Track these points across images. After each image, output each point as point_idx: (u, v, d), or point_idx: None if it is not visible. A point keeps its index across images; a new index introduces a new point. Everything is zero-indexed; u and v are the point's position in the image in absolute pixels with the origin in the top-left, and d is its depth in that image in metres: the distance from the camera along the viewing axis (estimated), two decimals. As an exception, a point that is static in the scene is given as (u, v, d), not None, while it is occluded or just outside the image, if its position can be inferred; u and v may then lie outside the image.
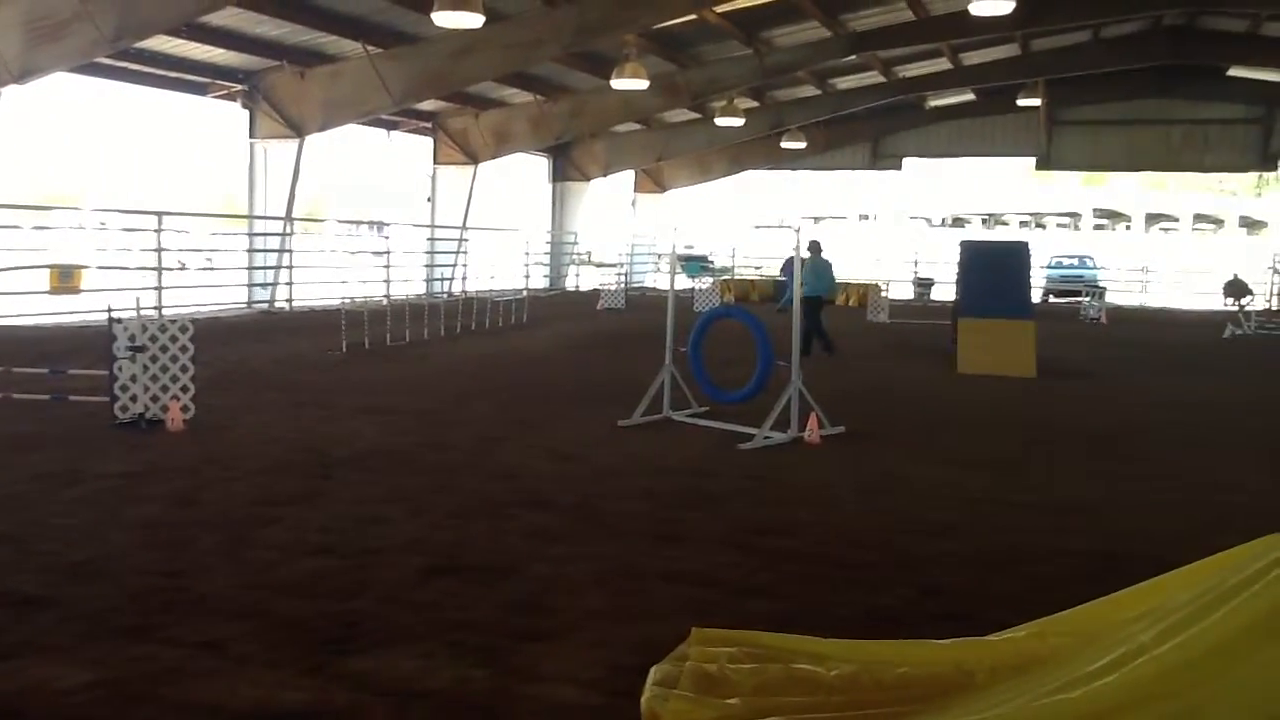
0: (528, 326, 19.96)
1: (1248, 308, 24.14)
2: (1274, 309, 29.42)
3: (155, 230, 18.20)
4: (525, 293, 23.48)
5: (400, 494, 6.81)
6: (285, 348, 15.12)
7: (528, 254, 29.48)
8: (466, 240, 27.81)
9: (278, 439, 8.52)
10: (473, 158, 28.28)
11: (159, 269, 18.15)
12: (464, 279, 27.08)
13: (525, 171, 34.20)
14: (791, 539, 6.02)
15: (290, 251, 22.42)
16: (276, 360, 13.69)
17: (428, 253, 27.61)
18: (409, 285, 25.27)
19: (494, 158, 28.67)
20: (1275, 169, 36.64)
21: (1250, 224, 67.90)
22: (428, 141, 28.54)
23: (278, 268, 22.06)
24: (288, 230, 22.22)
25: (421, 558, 5.45)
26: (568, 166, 33.53)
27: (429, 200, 28.98)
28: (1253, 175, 49.00)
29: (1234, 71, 30.23)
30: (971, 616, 4.60)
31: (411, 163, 30.47)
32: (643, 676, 3.67)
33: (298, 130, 21.52)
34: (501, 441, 8.76)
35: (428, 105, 26.07)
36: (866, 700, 3.49)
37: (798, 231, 9.73)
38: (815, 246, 16.15)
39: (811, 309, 15.22)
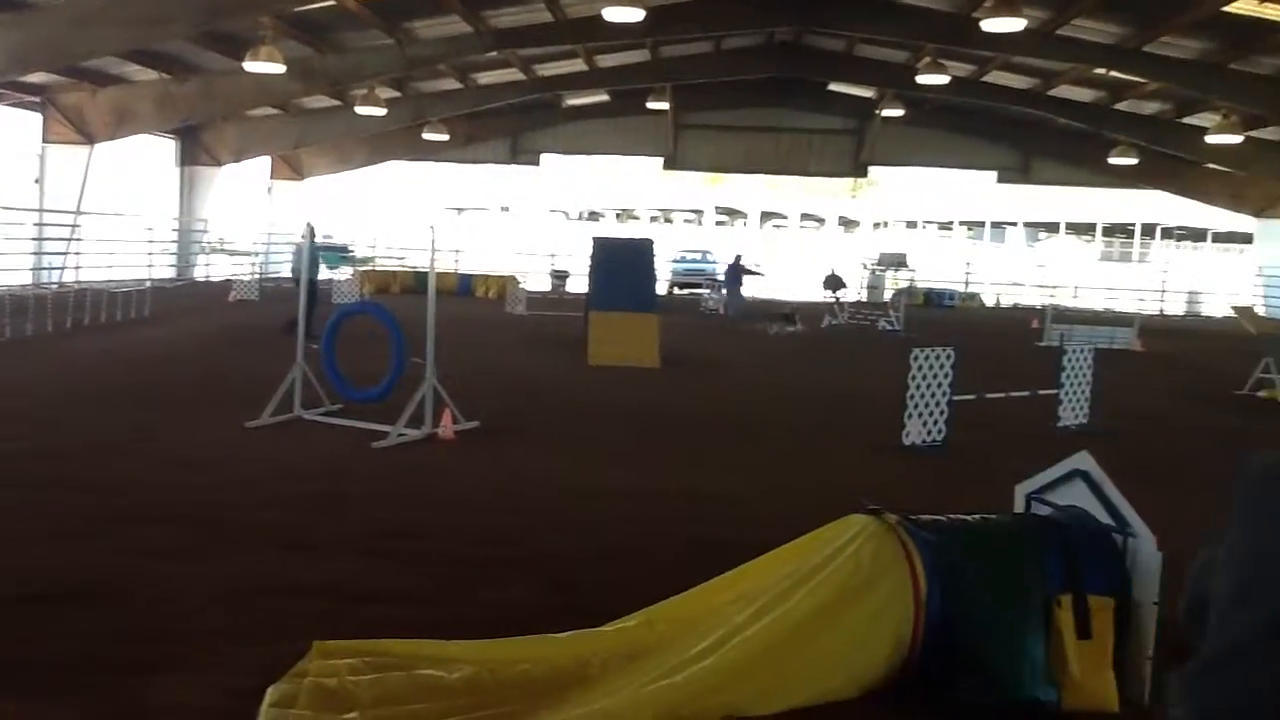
0: (151, 321, 18.54)
1: (843, 300, 26.84)
2: (864, 301, 32.91)
3: None
4: (149, 284, 21.80)
5: (-8, 513, 6.18)
6: None
7: (152, 242, 27.38)
8: (80, 226, 25.33)
9: None
10: (89, 137, 25.65)
11: None
12: (78, 269, 24.68)
13: (149, 154, 31.64)
14: (424, 541, 6.07)
15: None
16: None
17: (35, 239, 24.86)
18: (13, 275, 22.65)
19: (114, 138, 26.12)
20: (866, 175, 41.17)
21: (847, 223, 75.54)
22: (36, 117, 25.61)
23: None
24: None
25: (16, 584, 4.97)
26: (197, 150, 31.32)
27: (36, 182, 26.07)
28: (849, 180, 54.45)
29: (834, 87, 33.49)
30: (594, 608, 4.83)
31: (16, 140, 27.21)
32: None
33: None
34: (117, 448, 8.14)
35: (36, 78, 23.40)
36: (489, 701, 3.62)
37: (432, 229, 9.75)
38: (310, 231, 16.52)
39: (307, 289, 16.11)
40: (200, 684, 3.99)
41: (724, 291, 26.80)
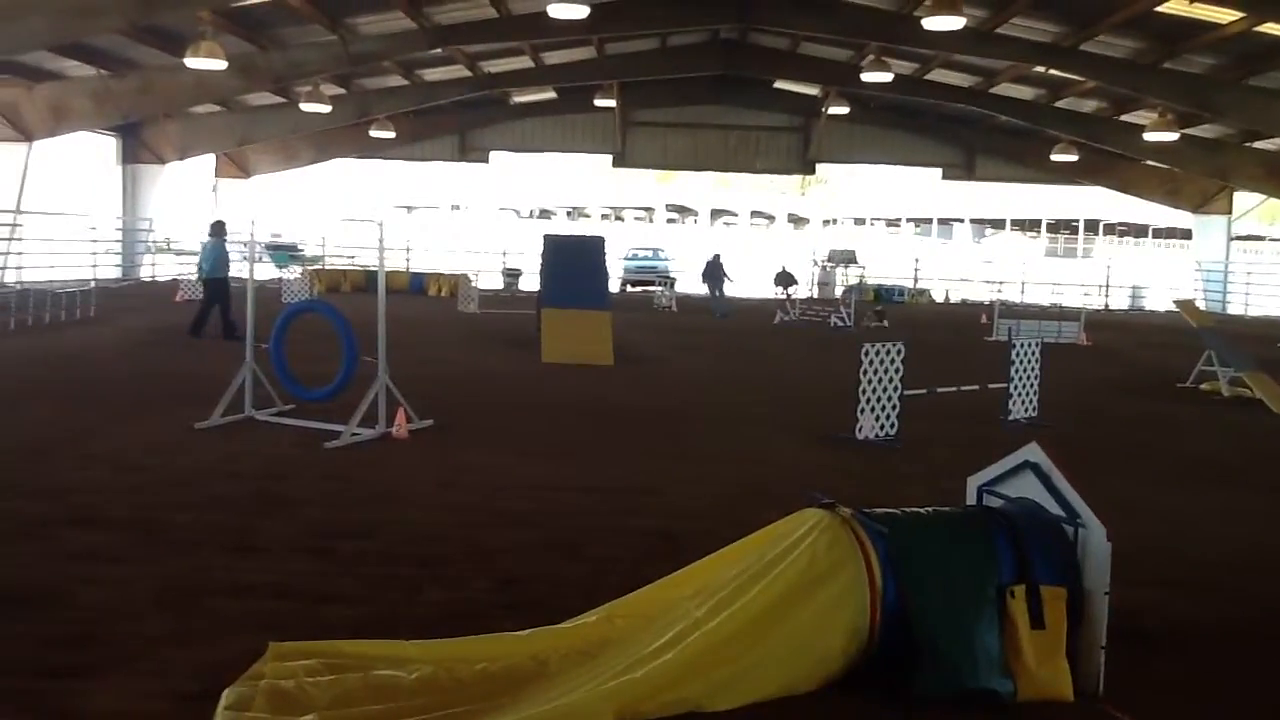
0: (96, 321, 18.16)
1: (794, 296, 26.98)
2: (815, 297, 33.12)
3: None
4: (93, 284, 21.41)
5: (-76, 520, 6.01)
6: None
7: (96, 242, 26.82)
8: (20, 225, 24.79)
9: None
10: (26, 134, 25.08)
11: None
12: (19, 269, 24.22)
13: (91, 152, 30.99)
14: (372, 540, 5.98)
15: None
16: None
17: (-26, 238, 24.30)
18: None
19: (51, 135, 25.58)
20: (814, 172, 41.49)
21: (797, 220, 76.15)
22: (-30, 115, 24.99)
23: None
24: None
25: (-50, 593, 4.84)
26: (139, 148, 30.76)
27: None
28: (797, 177, 54.80)
29: (779, 84, 33.66)
30: (545, 604, 4.81)
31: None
32: (212, 704, 3.51)
33: None
34: (55, 451, 7.95)
35: (-33, 74, 22.91)
36: (447, 700, 3.57)
37: (380, 225, 9.64)
38: (216, 228, 16.37)
39: (216, 290, 16.24)
40: (140, 688, 3.89)
41: (707, 291, 26.84)
